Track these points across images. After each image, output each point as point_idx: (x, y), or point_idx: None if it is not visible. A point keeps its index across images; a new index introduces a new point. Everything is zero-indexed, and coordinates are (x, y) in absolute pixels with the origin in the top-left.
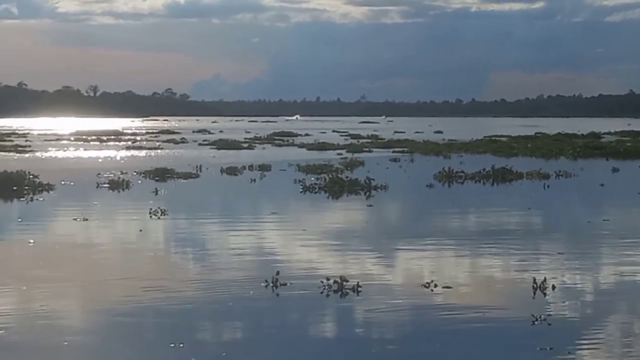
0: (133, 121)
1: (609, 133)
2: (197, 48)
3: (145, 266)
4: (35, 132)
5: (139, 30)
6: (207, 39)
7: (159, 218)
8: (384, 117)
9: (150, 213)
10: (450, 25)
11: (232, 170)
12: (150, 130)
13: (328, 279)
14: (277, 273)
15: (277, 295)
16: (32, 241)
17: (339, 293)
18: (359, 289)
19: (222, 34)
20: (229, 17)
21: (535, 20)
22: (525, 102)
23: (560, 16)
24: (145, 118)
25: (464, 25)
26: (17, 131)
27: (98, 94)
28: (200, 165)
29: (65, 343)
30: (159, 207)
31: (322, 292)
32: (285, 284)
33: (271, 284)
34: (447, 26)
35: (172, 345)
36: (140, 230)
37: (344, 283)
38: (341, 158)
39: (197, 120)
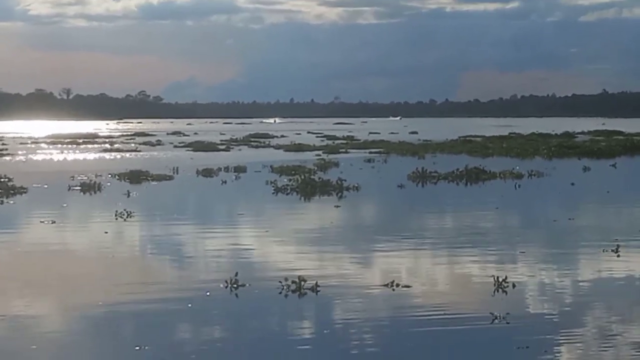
0: (108, 124)
1: (583, 132)
2: (171, 50)
3: (107, 268)
4: (10, 136)
5: (112, 32)
6: (181, 41)
7: (124, 220)
8: (399, 117)
9: (116, 215)
10: (425, 26)
11: (207, 172)
12: (125, 133)
13: (286, 279)
14: (236, 274)
15: (236, 296)
16: None
17: (297, 293)
18: (318, 289)
19: (195, 35)
20: (203, 18)
21: (509, 20)
22: (499, 102)
23: (534, 16)
24: (119, 120)
25: (439, 26)
26: None
27: (71, 96)
28: (177, 167)
29: (33, 347)
30: (125, 209)
31: (280, 293)
32: (244, 285)
33: (230, 285)
34: (422, 27)
35: (137, 348)
36: (106, 232)
37: (303, 283)
38: (318, 159)
39: (172, 122)
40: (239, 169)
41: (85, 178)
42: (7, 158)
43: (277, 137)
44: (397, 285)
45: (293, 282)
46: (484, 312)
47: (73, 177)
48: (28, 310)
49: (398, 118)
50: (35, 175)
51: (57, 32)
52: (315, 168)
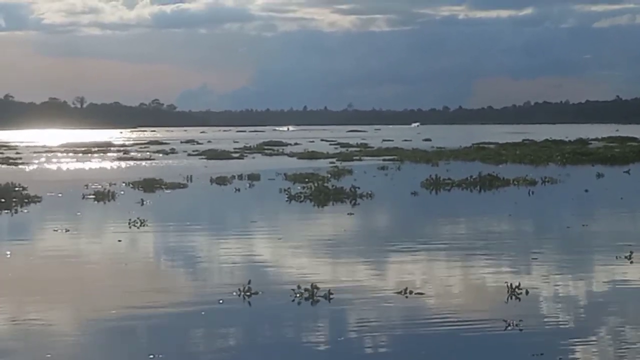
0: (121, 132)
1: (597, 139)
2: (184, 58)
3: (120, 277)
4: (24, 145)
5: (126, 40)
6: (194, 49)
7: (138, 229)
8: (417, 124)
9: (129, 224)
10: (438, 33)
11: (221, 180)
12: (139, 141)
13: (300, 287)
14: (249, 282)
15: (249, 304)
16: (8, 253)
17: (310, 301)
18: (331, 296)
19: (209, 44)
20: (216, 27)
21: (523, 26)
22: (512, 109)
23: (548, 22)
24: (133, 129)
25: (452, 33)
26: (7, 144)
27: (85, 105)
28: (191, 176)
29: (48, 355)
30: (138, 218)
31: (293, 300)
32: (257, 293)
33: (243, 293)
34: (435, 34)
35: (152, 356)
36: (119, 241)
37: (315, 290)
38: (331, 167)
39: (185, 130)
40: (253, 177)
41: (99, 187)
42: (22, 167)
43: (290, 144)
44: (411, 292)
45: (306, 289)
46: (497, 319)
47: (87, 185)
48: (42, 318)
49: (416, 125)
50: (50, 184)
51: (70, 41)
52: (329, 176)
